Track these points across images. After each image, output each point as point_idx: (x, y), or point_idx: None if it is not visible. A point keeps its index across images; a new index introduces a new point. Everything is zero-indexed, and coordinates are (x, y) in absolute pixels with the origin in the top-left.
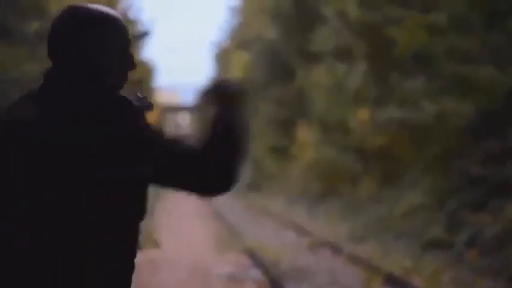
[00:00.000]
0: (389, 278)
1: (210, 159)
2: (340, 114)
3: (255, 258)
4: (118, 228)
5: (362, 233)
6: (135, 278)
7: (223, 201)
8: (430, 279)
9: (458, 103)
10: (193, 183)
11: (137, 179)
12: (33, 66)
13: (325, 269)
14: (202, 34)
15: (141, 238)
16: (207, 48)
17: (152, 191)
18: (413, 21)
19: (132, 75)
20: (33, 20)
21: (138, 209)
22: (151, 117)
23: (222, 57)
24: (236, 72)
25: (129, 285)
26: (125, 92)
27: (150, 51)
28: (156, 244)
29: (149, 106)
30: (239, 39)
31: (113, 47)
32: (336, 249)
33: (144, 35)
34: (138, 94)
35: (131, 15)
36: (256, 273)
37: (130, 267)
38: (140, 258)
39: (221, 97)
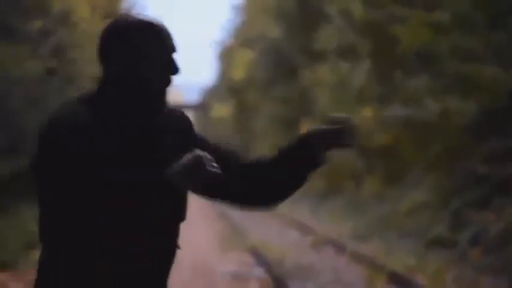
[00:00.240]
0: (393, 276)
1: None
2: (343, 113)
3: (258, 256)
4: (173, 226)
5: (365, 232)
6: None
7: None
8: (434, 278)
9: (461, 102)
10: (235, 197)
11: None
12: (35, 65)
13: (328, 267)
14: (205, 33)
15: None
16: (210, 47)
17: None
18: (417, 20)
19: None
20: (36, 19)
21: (185, 207)
22: None
23: (226, 56)
24: (239, 71)
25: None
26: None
27: None
28: None
29: None
30: (243, 38)
31: (155, 53)
32: (339, 247)
33: None
34: None
35: (135, 13)
36: (260, 272)
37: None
38: None
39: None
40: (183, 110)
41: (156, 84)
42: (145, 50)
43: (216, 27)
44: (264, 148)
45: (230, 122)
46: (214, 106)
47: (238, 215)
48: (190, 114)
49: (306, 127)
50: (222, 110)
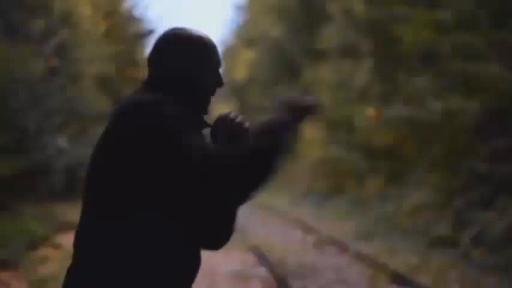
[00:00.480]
0: (396, 276)
1: (233, 161)
2: (346, 112)
3: (261, 256)
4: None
5: (368, 231)
6: None
7: None
8: (437, 277)
9: (464, 101)
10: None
11: None
12: (38, 64)
13: (331, 266)
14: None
15: None
16: None
17: None
18: (419, 19)
19: (138, 73)
20: (39, 18)
21: None
22: None
23: (228, 54)
24: (241, 70)
25: None
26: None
27: None
28: None
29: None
30: (245, 37)
31: (200, 65)
32: (342, 247)
33: (149, 32)
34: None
35: (137, 13)
36: (262, 271)
37: None
38: None
39: (296, 110)
40: None
41: (205, 90)
42: (198, 58)
43: (218, 27)
44: None
45: None
46: (217, 105)
47: (240, 214)
48: None
49: (308, 126)
50: (224, 109)
